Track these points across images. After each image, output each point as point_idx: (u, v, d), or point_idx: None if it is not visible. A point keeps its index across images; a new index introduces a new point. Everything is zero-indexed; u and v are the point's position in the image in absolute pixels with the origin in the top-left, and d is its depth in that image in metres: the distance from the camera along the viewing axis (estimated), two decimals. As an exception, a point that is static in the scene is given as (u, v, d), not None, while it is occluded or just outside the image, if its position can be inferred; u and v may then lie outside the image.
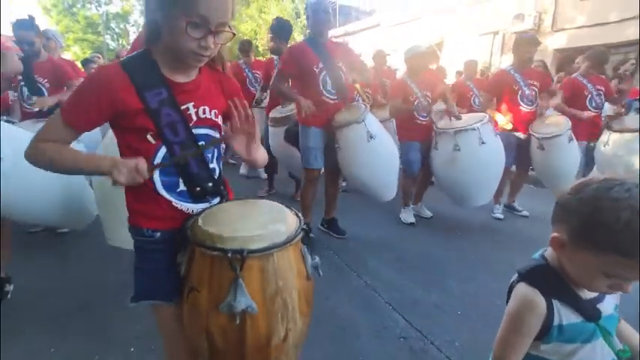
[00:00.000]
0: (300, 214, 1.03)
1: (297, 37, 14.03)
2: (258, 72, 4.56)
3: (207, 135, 1.04)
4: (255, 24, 17.20)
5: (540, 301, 0.80)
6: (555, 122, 3.46)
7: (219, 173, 1.12)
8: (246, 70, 4.66)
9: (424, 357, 1.74)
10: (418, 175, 3.55)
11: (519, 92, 3.49)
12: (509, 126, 3.57)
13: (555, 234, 0.78)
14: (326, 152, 2.91)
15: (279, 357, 0.95)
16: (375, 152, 2.74)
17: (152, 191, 1.00)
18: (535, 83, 3.52)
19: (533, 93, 3.51)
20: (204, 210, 1.04)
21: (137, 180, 0.91)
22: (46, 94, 3.06)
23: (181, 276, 0.96)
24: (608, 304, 0.83)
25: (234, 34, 0.95)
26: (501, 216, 3.71)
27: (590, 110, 3.62)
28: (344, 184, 4.17)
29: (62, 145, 0.95)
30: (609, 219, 0.69)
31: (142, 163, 0.91)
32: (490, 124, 3.23)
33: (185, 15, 0.87)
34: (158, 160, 0.98)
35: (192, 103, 1.00)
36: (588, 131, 3.69)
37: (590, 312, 0.80)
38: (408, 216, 3.56)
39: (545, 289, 0.80)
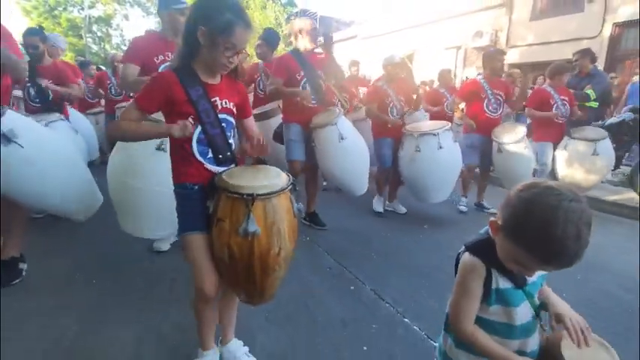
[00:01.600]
0: (290, 175, 1.43)
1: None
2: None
3: (226, 119, 1.46)
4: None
5: (480, 267, 0.90)
6: (514, 130, 3.81)
7: (234, 147, 1.52)
8: None
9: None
10: (390, 168, 3.80)
11: (485, 100, 3.84)
12: (474, 128, 3.85)
13: (493, 219, 0.88)
14: (306, 151, 3.20)
15: (274, 266, 1.34)
16: (346, 151, 3.04)
17: (191, 156, 1.40)
18: (500, 93, 3.86)
19: (499, 101, 3.86)
20: (224, 170, 1.43)
21: (186, 133, 1.31)
22: (50, 94, 3.29)
23: (210, 214, 1.36)
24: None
25: (247, 54, 1.42)
26: (465, 209, 4.00)
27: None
28: (325, 183, 4.50)
29: (133, 121, 1.37)
30: (532, 222, 0.78)
31: (188, 122, 1.33)
32: (450, 131, 3.52)
33: (224, 42, 1.31)
34: (197, 134, 1.38)
35: (218, 97, 1.43)
36: (554, 135, 3.99)
37: (518, 280, 0.90)
38: (378, 205, 3.85)
39: (485, 259, 0.90)
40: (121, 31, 26.50)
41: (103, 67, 6.73)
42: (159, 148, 2.25)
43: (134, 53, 2.52)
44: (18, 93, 3.79)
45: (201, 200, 1.40)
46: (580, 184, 3.85)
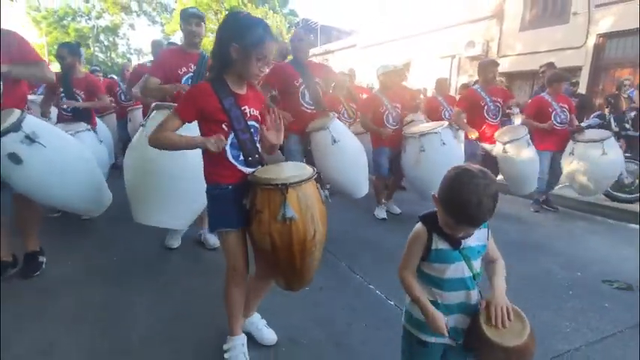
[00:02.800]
0: (314, 167, 1.57)
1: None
2: None
3: (254, 125, 1.58)
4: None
5: (423, 232, 1.12)
6: (515, 130, 3.87)
7: (260, 151, 1.64)
8: None
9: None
10: (388, 176, 3.83)
11: (485, 107, 3.85)
12: (475, 136, 3.88)
13: (434, 193, 1.09)
14: (306, 156, 3.27)
15: (311, 248, 1.46)
16: (340, 153, 3.09)
17: (225, 160, 1.51)
18: (499, 99, 3.89)
19: (497, 108, 3.88)
20: (254, 170, 1.55)
21: (220, 148, 1.44)
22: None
23: (247, 209, 1.48)
24: (472, 241, 1.11)
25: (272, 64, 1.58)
26: None
27: (555, 125, 3.90)
28: (328, 186, 4.57)
29: (171, 132, 1.48)
30: (449, 192, 1.02)
31: (222, 136, 1.45)
32: (449, 128, 3.58)
33: (256, 54, 1.44)
34: (230, 140, 1.50)
35: (247, 106, 1.55)
36: (555, 143, 4.01)
37: (453, 242, 1.09)
38: (380, 212, 3.81)
39: (429, 226, 1.12)
40: (128, 39, 26.83)
41: (115, 77, 6.95)
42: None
43: (157, 67, 2.67)
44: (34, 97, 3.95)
45: (235, 199, 1.52)
46: (594, 187, 3.86)
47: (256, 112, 1.61)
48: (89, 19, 24.00)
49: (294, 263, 1.46)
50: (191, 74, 2.63)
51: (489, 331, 1.04)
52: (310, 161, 3.25)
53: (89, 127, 3.37)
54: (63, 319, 1.95)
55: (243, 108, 1.54)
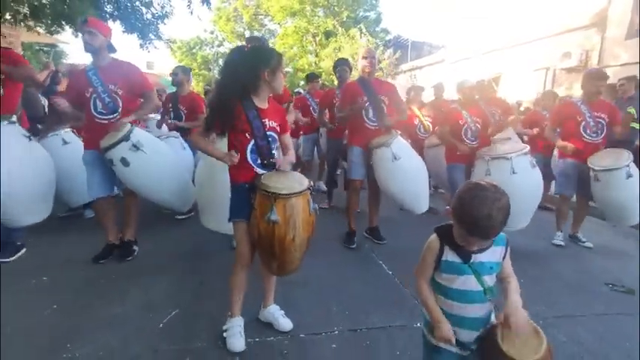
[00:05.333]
0: (310, 181, 1.72)
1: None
2: (317, 99, 4.81)
3: (272, 135, 1.80)
4: (331, 61, 18.39)
5: (436, 243, 1.15)
6: (615, 155, 3.18)
7: (276, 157, 1.85)
8: (309, 99, 5.07)
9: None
10: None
11: (582, 123, 3.31)
12: (568, 152, 3.33)
13: (449, 207, 1.14)
14: (368, 170, 3.23)
15: (289, 247, 1.65)
16: (400, 170, 3.00)
17: (246, 162, 1.75)
18: (602, 115, 3.30)
19: (600, 125, 3.30)
20: (264, 173, 1.75)
21: (231, 162, 1.71)
22: (183, 118, 3.96)
23: (253, 206, 1.69)
24: (485, 257, 1.12)
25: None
26: (562, 243, 3.43)
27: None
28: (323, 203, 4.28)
29: (205, 139, 1.81)
30: (462, 206, 1.05)
31: (234, 153, 1.71)
32: (527, 156, 3.06)
33: (281, 71, 1.77)
34: (250, 146, 1.74)
35: (267, 118, 1.78)
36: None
37: (463, 256, 1.11)
38: None
39: (443, 238, 1.15)
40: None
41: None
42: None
43: None
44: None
45: (248, 195, 1.73)
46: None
47: (275, 124, 1.82)
48: (212, 47, 27.71)
49: (275, 256, 1.68)
50: None
51: (506, 346, 1.03)
52: (372, 175, 3.22)
53: (176, 133, 3.90)
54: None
55: (263, 120, 1.77)
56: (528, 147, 3.22)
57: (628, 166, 3.08)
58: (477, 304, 1.12)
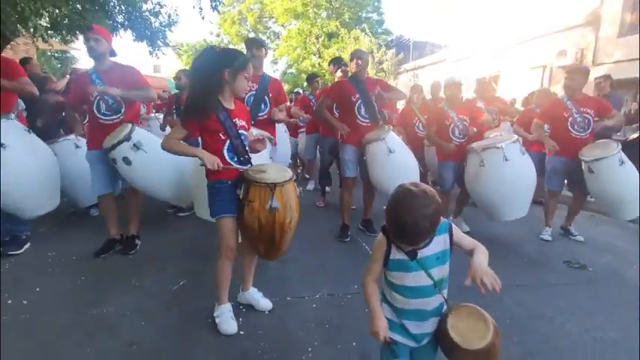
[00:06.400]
0: (292, 170, 1.80)
1: (370, 71, 14.80)
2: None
3: (243, 133, 1.87)
4: (334, 63, 18.35)
5: (383, 241, 1.14)
6: (604, 145, 3.20)
7: (248, 151, 1.92)
8: (312, 99, 5.15)
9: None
10: (451, 190, 3.59)
11: (569, 119, 3.33)
12: (555, 150, 3.33)
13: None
14: (360, 166, 3.29)
15: (287, 229, 1.82)
16: (395, 163, 3.03)
17: (225, 161, 1.79)
18: (588, 111, 3.32)
19: (587, 120, 3.30)
20: (247, 168, 1.84)
21: (215, 167, 1.70)
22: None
23: (240, 199, 1.80)
24: (428, 250, 1.10)
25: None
26: (550, 238, 3.43)
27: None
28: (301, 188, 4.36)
29: (177, 140, 1.80)
30: (391, 213, 1.04)
31: (217, 160, 1.72)
32: (517, 144, 3.13)
33: (245, 74, 1.81)
34: (227, 145, 1.81)
35: (237, 118, 1.85)
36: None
37: (409, 252, 1.10)
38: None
39: (389, 237, 1.12)
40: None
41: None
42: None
43: None
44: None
45: (232, 191, 1.83)
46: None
47: (244, 122, 1.90)
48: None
49: (275, 240, 1.83)
50: (254, 92, 2.92)
51: (456, 336, 1.06)
52: (364, 171, 3.27)
53: None
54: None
55: (234, 120, 1.84)
56: (517, 136, 3.28)
57: (619, 152, 3.07)
58: (429, 297, 1.13)
